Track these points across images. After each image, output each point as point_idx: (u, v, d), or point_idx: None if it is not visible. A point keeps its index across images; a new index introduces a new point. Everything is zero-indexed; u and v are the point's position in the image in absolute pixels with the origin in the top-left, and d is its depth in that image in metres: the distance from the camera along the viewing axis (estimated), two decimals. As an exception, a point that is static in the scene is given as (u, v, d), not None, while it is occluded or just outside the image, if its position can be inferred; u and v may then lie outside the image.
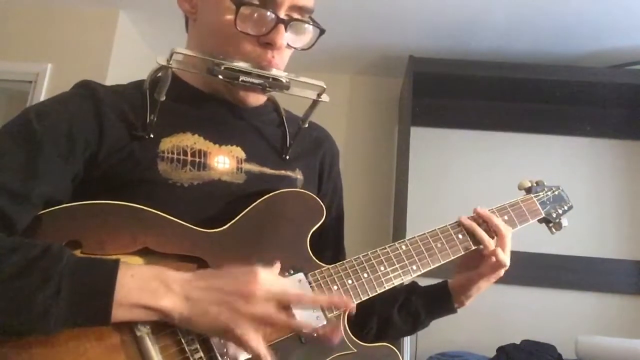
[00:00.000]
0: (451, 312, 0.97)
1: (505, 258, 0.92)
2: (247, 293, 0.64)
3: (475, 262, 0.94)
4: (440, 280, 1.00)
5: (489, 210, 0.98)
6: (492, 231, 0.94)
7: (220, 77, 0.77)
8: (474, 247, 0.94)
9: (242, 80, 0.78)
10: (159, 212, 0.72)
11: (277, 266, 0.74)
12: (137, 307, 0.62)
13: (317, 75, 0.81)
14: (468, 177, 2.73)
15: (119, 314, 0.61)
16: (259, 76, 0.79)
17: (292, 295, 0.70)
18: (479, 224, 0.95)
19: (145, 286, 0.63)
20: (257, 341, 0.65)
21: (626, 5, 2.25)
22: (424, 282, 1.01)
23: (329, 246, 0.97)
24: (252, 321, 0.64)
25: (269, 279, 0.67)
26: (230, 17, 0.77)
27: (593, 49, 2.58)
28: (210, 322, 0.64)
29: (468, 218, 0.96)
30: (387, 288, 0.84)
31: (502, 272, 0.93)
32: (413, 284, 1.00)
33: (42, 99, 2.11)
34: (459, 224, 0.95)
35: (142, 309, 0.63)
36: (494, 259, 0.91)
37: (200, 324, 0.64)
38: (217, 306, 0.64)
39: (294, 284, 0.77)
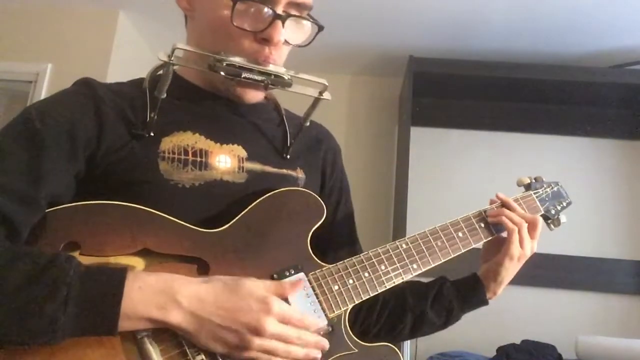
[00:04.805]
0: (483, 302, 0.95)
1: (528, 246, 0.93)
2: (258, 328, 0.65)
3: (499, 248, 0.94)
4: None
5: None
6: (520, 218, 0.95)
7: (222, 73, 0.76)
8: (473, 245, 0.94)
9: (245, 77, 0.77)
10: (158, 212, 0.72)
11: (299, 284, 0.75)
12: (144, 319, 0.63)
13: (317, 75, 0.80)
14: (468, 177, 2.72)
15: (125, 325, 0.61)
16: (261, 73, 0.78)
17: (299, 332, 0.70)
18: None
19: (152, 299, 0.63)
20: None
21: (626, 6, 2.25)
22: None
23: (344, 244, 0.96)
24: (258, 353, 0.66)
25: (282, 312, 0.68)
26: (226, 12, 0.76)
27: (593, 49, 2.58)
28: (215, 343, 0.65)
29: (495, 207, 0.97)
30: (387, 287, 0.84)
31: (528, 252, 0.93)
32: (442, 278, 0.99)
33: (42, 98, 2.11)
34: (460, 221, 0.94)
35: (148, 321, 0.63)
36: (517, 243, 0.92)
37: (205, 343, 0.65)
38: (225, 331, 0.65)
39: (306, 306, 0.76)
